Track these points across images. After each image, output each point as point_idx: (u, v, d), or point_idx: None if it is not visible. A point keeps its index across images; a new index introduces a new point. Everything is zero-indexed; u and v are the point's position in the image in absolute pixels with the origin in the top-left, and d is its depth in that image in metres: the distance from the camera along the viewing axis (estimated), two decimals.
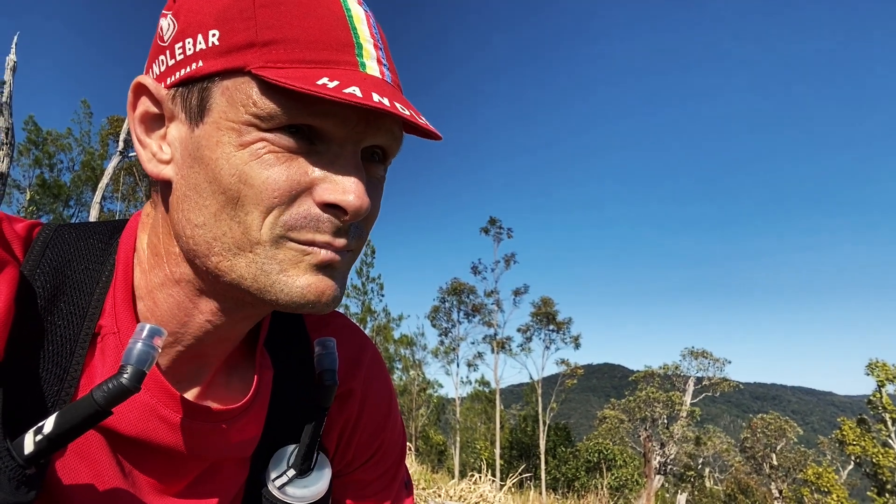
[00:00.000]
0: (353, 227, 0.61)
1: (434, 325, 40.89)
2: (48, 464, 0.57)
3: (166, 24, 0.62)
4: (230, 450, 0.71)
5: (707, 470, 40.15)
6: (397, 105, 0.54)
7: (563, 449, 38.95)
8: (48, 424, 0.53)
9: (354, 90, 0.52)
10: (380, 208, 0.65)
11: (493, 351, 39.75)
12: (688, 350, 39.00)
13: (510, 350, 39.88)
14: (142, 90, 0.63)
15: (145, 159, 0.63)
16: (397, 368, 39.88)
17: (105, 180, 15.26)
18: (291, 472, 0.74)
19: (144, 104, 0.63)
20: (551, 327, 39.40)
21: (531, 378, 40.79)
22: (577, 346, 39.28)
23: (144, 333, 0.55)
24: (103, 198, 15.74)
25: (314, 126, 0.56)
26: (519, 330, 40.25)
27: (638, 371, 40.97)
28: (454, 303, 40.40)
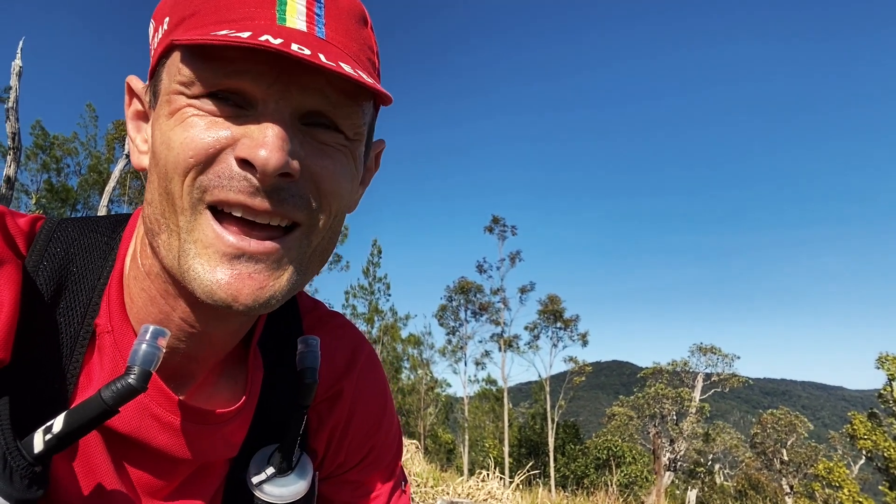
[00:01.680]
0: (289, 194, 0.56)
1: (441, 324, 40.89)
2: (51, 462, 0.59)
3: (150, 28, 0.65)
4: (220, 451, 0.71)
5: (717, 466, 40.00)
6: (296, 48, 0.50)
7: (572, 446, 38.85)
8: (57, 423, 0.55)
9: (266, 37, 0.50)
10: (344, 182, 0.61)
11: (500, 349, 39.73)
12: (696, 346, 38.84)
13: (518, 348, 39.85)
14: (129, 89, 0.67)
15: (131, 153, 0.66)
16: (405, 368, 39.89)
17: (112, 184, 15.34)
18: (270, 471, 0.73)
19: (134, 103, 0.67)
20: (558, 325, 39.33)
21: (539, 376, 40.77)
22: (585, 343, 39.20)
23: (148, 335, 0.57)
24: (110, 201, 15.80)
25: (238, 90, 0.55)
26: (526, 328, 40.24)
27: (646, 368, 40.87)
28: (461, 301, 40.36)
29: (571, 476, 36.28)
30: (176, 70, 0.57)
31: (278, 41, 0.50)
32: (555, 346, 39.66)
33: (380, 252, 38.05)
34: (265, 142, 0.53)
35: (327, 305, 0.91)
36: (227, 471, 0.75)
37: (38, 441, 0.55)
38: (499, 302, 39.96)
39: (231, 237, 0.56)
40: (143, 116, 0.66)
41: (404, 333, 39.53)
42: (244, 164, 0.54)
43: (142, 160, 0.65)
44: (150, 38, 0.64)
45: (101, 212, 15.52)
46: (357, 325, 0.95)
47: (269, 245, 0.57)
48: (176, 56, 0.57)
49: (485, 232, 40.49)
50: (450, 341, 40.75)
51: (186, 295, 0.61)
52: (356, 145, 0.61)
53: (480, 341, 40.89)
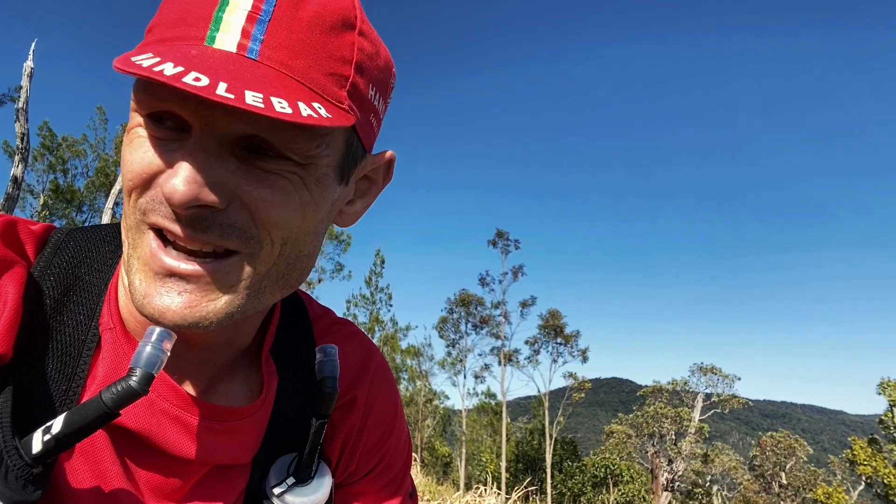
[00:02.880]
0: (213, 223, 0.55)
1: (442, 336, 40.79)
2: (54, 463, 0.58)
3: None
4: (230, 454, 0.70)
5: (715, 488, 39.67)
6: (191, 78, 0.47)
7: (570, 463, 38.64)
8: (57, 424, 0.53)
9: (163, 67, 0.48)
10: (288, 210, 0.57)
11: (500, 363, 39.61)
12: (697, 366, 38.75)
13: (517, 362, 39.73)
14: None
15: None
16: (404, 379, 39.74)
17: (118, 186, 15.41)
18: (291, 480, 0.73)
19: None
20: (559, 340, 39.24)
21: (538, 391, 40.65)
22: (585, 359, 39.08)
23: (154, 337, 0.55)
24: (116, 203, 15.88)
25: (172, 113, 0.54)
26: (526, 342, 40.12)
27: (646, 386, 40.77)
28: (462, 314, 40.31)
29: (568, 493, 36.05)
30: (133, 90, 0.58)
31: (175, 70, 0.48)
32: (555, 361, 39.56)
33: (383, 262, 38.05)
34: (176, 173, 0.52)
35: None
36: (246, 480, 0.74)
37: (37, 441, 0.53)
38: (500, 315, 39.94)
39: (165, 257, 0.55)
40: None
41: (404, 344, 39.50)
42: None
43: None
44: None
45: (107, 214, 15.57)
46: None
47: (200, 268, 0.56)
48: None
49: (488, 245, 40.57)
50: (449, 353, 40.68)
51: None
52: (310, 170, 0.57)
53: (480, 354, 40.81)
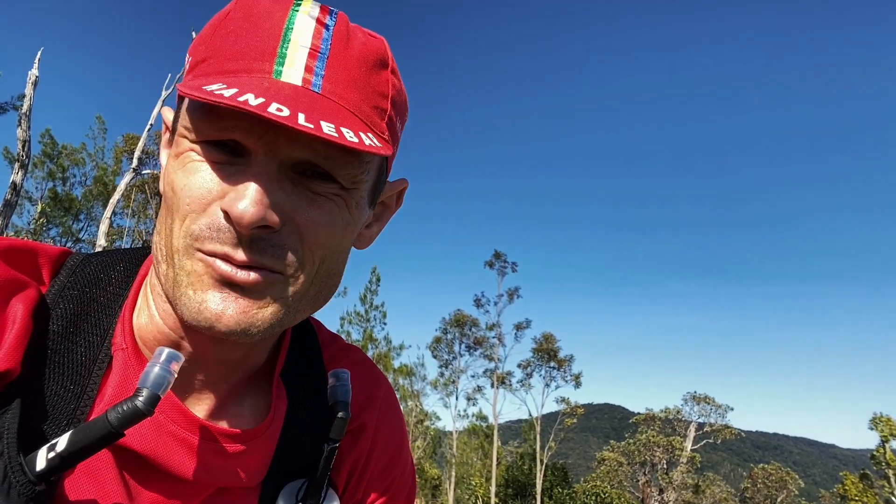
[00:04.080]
0: (269, 244, 0.58)
1: (435, 357, 40.59)
2: (58, 481, 0.59)
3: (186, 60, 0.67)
4: (236, 477, 0.70)
5: None
6: (274, 108, 0.51)
7: (560, 490, 38.28)
8: (62, 442, 0.54)
9: (245, 97, 0.51)
10: (331, 232, 0.61)
11: (492, 385, 39.41)
12: (690, 394, 38.64)
13: (510, 385, 39.54)
14: (164, 120, 0.70)
15: (160, 179, 0.68)
16: None
17: (116, 196, 15.44)
18: None
19: (167, 134, 0.70)
20: (552, 364, 39.11)
21: (530, 415, 40.40)
22: (578, 384, 38.91)
23: (163, 358, 0.56)
24: (113, 213, 15.87)
25: (236, 140, 0.57)
26: (519, 365, 39.97)
27: (639, 413, 40.58)
28: (456, 335, 40.18)
29: None
30: (182, 115, 0.60)
31: (258, 101, 0.51)
32: (547, 385, 39.38)
33: (378, 280, 37.94)
34: (245, 195, 0.54)
35: None
36: None
37: (42, 459, 0.54)
38: (494, 337, 39.83)
39: (223, 265, 0.57)
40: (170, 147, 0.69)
41: (397, 363, 39.24)
42: (228, 216, 0.56)
43: (162, 187, 0.66)
44: (183, 71, 0.67)
45: (104, 223, 15.55)
46: None
47: (254, 277, 0.58)
48: (186, 101, 0.61)
49: (485, 266, 40.57)
50: (442, 374, 40.44)
51: (181, 319, 0.62)
52: (352, 193, 0.62)
53: (473, 376, 40.56)
